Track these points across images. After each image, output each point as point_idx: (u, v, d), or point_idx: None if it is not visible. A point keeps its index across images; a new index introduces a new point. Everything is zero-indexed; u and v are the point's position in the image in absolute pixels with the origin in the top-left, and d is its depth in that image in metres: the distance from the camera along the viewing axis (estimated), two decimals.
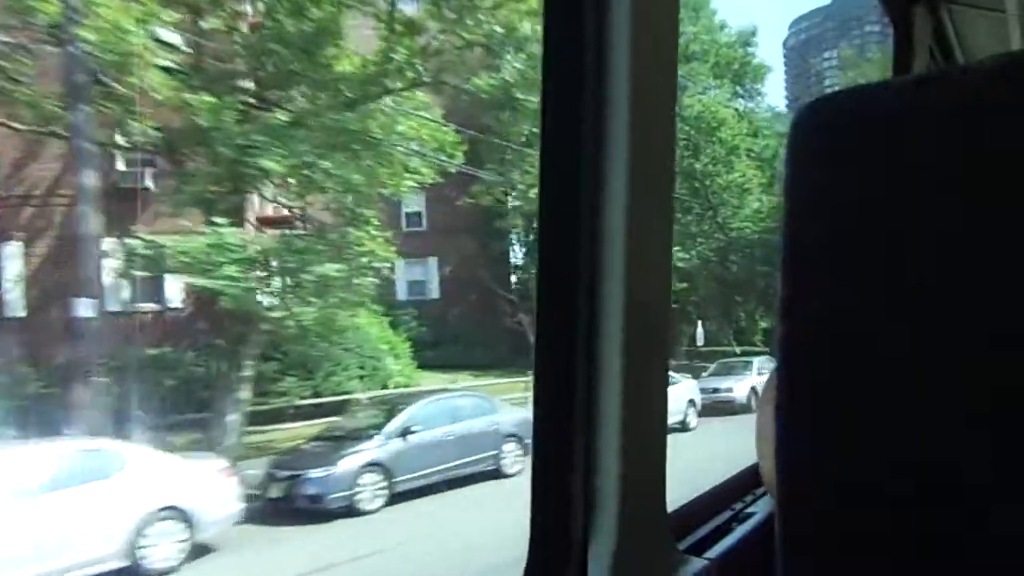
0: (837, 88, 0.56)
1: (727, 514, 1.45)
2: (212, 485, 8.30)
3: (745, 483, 1.52)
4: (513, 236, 23.28)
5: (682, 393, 14.52)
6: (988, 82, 0.47)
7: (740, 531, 1.39)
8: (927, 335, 0.46)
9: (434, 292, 21.49)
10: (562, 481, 1.09)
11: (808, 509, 0.50)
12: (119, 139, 12.21)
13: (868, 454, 0.48)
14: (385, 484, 10.00)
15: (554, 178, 1.09)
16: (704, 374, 18.02)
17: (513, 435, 11.41)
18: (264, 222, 13.71)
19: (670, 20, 1.10)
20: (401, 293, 20.72)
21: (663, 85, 1.09)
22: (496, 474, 11.21)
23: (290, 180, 12.29)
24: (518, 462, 11.24)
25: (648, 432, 1.11)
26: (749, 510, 1.47)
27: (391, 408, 11.71)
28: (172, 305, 14.17)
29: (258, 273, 11.88)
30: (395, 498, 9.96)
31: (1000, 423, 0.45)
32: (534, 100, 13.38)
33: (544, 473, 1.12)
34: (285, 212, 14.04)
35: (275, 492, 9.64)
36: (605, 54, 1.03)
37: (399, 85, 12.57)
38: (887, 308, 0.47)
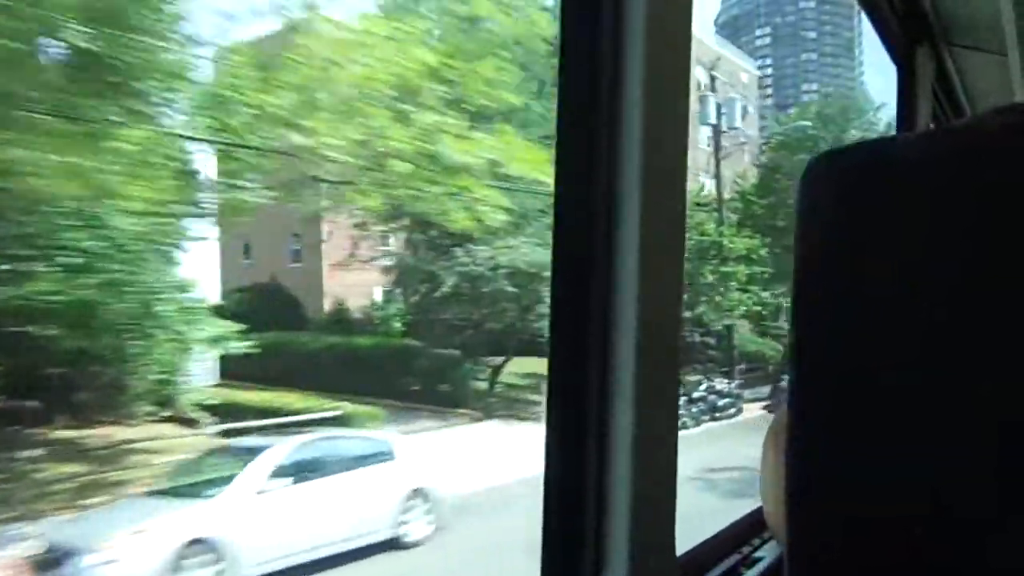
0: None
1: (735, 558, 1.43)
2: None
3: (752, 527, 1.51)
4: None
5: None
6: (995, 134, 0.48)
7: None
8: (937, 378, 0.47)
9: None
10: (572, 523, 1.08)
11: (818, 553, 0.50)
12: None
13: (881, 499, 0.48)
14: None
15: (568, 193, 1.10)
16: None
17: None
18: None
19: (683, 34, 1.11)
20: None
21: (676, 100, 1.10)
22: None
23: None
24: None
25: (659, 474, 1.11)
26: (757, 554, 1.45)
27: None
28: None
29: None
30: None
31: (1005, 458, 0.45)
32: None
33: (555, 515, 1.11)
34: None
35: None
36: (620, 68, 1.04)
37: None
38: (898, 354, 0.48)
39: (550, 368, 1.10)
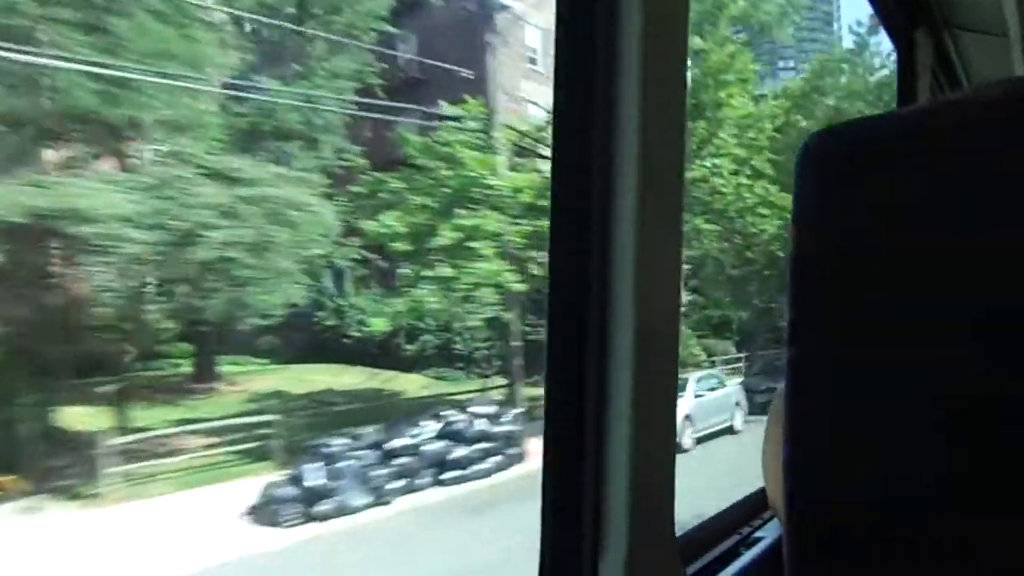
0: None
1: (734, 539, 1.44)
2: None
3: (752, 507, 1.52)
4: None
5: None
6: (989, 109, 0.48)
7: (748, 556, 1.38)
8: (936, 356, 0.47)
9: None
10: (571, 505, 1.08)
11: (817, 534, 0.50)
12: None
13: (880, 479, 0.48)
14: None
15: (564, 196, 1.10)
16: None
17: None
18: None
19: (679, 36, 1.10)
20: None
21: (672, 93, 1.09)
22: None
23: None
24: None
25: (658, 456, 1.11)
26: (757, 535, 1.46)
27: None
28: None
29: None
30: None
31: (999, 438, 0.45)
32: None
33: (553, 497, 1.11)
34: None
35: None
36: (615, 69, 1.04)
37: None
38: (894, 330, 0.48)
39: (548, 347, 1.10)
